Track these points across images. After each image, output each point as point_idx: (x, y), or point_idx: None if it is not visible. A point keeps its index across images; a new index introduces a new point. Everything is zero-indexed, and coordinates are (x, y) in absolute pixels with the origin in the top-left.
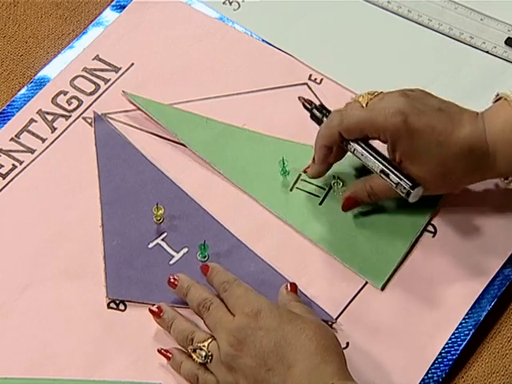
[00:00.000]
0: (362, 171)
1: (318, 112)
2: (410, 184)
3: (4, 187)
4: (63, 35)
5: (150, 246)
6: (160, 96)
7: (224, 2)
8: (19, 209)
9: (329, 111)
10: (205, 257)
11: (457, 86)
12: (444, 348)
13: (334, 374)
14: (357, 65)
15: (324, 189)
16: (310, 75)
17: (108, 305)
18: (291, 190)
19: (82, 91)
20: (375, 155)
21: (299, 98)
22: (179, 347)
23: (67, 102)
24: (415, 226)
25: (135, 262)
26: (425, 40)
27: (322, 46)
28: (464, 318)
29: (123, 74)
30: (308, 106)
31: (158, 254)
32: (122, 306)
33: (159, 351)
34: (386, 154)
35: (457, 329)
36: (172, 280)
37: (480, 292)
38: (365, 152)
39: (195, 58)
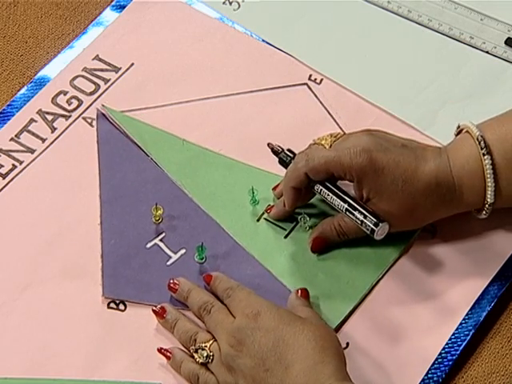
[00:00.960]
0: (330, 207)
1: (286, 157)
2: (375, 220)
3: (4, 187)
4: (63, 35)
5: (148, 246)
6: (160, 96)
7: (224, 2)
8: (19, 209)
9: (296, 155)
10: (202, 259)
11: (457, 85)
12: (444, 348)
13: (331, 374)
14: (357, 65)
15: (291, 222)
16: (310, 75)
17: (108, 305)
18: (258, 220)
19: (82, 91)
20: (341, 194)
21: (268, 144)
22: (179, 347)
23: (67, 101)
24: (379, 267)
25: (132, 262)
26: (425, 40)
27: (322, 46)
28: (464, 319)
29: (123, 74)
30: (277, 150)
31: (156, 255)
32: (121, 306)
33: (159, 351)
34: (352, 192)
35: (457, 329)
36: (172, 285)
37: (480, 292)
38: (330, 193)
39: (195, 58)
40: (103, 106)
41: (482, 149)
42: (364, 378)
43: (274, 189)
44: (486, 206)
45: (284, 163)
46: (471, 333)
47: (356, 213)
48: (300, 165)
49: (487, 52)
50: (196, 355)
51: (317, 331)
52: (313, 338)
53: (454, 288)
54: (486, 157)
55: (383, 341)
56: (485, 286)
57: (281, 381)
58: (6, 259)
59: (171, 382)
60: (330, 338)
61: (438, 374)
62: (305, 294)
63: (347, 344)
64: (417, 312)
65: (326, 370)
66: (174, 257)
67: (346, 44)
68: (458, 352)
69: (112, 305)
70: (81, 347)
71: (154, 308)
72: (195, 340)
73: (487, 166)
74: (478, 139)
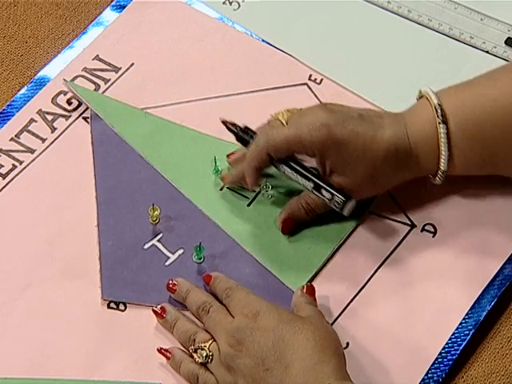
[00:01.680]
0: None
1: (245, 135)
2: (343, 199)
3: (4, 187)
4: (63, 35)
5: (146, 246)
6: (160, 96)
7: (224, 2)
8: (19, 209)
9: (254, 133)
10: (200, 258)
11: None
12: (444, 348)
13: (331, 374)
14: (357, 65)
15: (254, 191)
16: (310, 75)
17: (108, 305)
18: (221, 189)
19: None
20: (305, 173)
21: (222, 121)
22: (179, 347)
23: (67, 101)
24: (340, 233)
25: (130, 263)
26: (425, 40)
27: (322, 46)
28: (464, 318)
29: (123, 74)
30: (233, 129)
31: (154, 255)
32: (121, 306)
33: (159, 351)
34: (315, 165)
35: (457, 329)
36: (171, 285)
37: (480, 292)
38: (294, 172)
39: (195, 58)
40: (64, 79)
41: (438, 117)
42: (364, 378)
43: (229, 156)
44: (440, 173)
45: (243, 141)
46: (471, 332)
47: (323, 191)
48: (261, 145)
49: (487, 52)
50: (195, 355)
51: (316, 331)
52: (312, 337)
53: (454, 287)
54: (441, 125)
55: (383, 340)
56: (485, 286)
57: (280, 380)
58: (5, 259)
59: (171, 382)
60: (330, 337)
61: (438, 373)
62: (310, 290)
63: (347, 344)
64: (417, 312)
65: (325, 369)
66: (172, 257)
67: (346, 44)
68: (458, 352)
69: (112, 305)
70: (81, 347)
71: (154, 308)
72: (194, 340)
73: (442, 135)
74: (435, 107)
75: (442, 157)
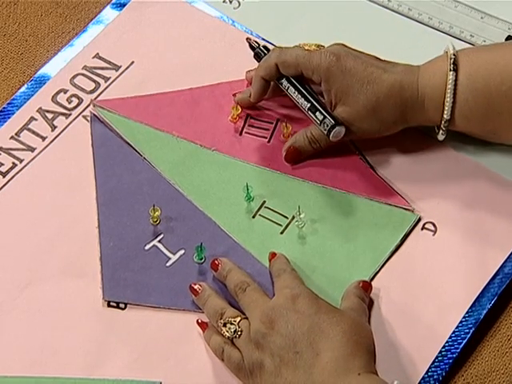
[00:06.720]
0: (325, 203)
1: (262, 52)
2: (333, 122)
3: (4, 186)
4: (63, 33)
5: (147, 247)
6: None
7: (224, 1)
8: (19, 207)
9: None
10: (201, 259)
11: None
12: (444, 346)
13: (361, 366)
14: None
15: (287, 218)
16: None
17: (108, 303)
18: (254, 216)
19: (82, 89)
20: (306, 94)
21: (247, 39)
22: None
23: (67, 100)
24: (375, 261)
25: (131, 264)
26: (425, 38)
27: (322, 44)
28: (464, 317)
29: (123, 72)
30: (254, 45)
31: (155, 256)
32: (121, 305)
33: (198, 322)
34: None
35: (457, 327)
36: (216, 262)
37: (480, 290)
38: (296, 90)
39: (195, 56)
40: (94, 105)
41: (450, 65)
42: None
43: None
44: (443, 122)
45: (259, 58)
46: (471, 331)
47: (318, 112)
48: (272, 56)
49: None
50: (224, 329)
51: (353, 325)
52: (349, 331)
53: (454, 286)
54: (451, 72)
55: (383, 340)
56: (485, 284)
57: (310, 366)
58: (6, 258)
59: (171, 381)
60: (365, 333)
61: (439, 372)
62: (366, 286)
63: None
64: (417, 310)
65: (356, 361)
66: (173, 258)
67: (345, 42)
68: (458, 350)
69: (112, 303)
70: (81, 345)
71: (192, 285)
72: (222, 314)
73: (450, 81)
74: (450, 57)
75: (447, 103)
